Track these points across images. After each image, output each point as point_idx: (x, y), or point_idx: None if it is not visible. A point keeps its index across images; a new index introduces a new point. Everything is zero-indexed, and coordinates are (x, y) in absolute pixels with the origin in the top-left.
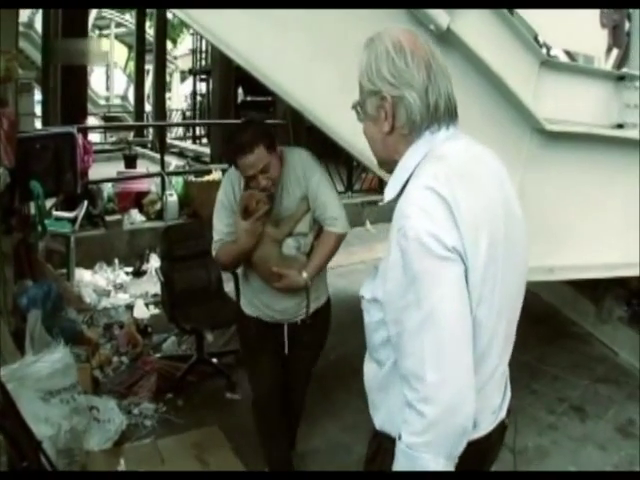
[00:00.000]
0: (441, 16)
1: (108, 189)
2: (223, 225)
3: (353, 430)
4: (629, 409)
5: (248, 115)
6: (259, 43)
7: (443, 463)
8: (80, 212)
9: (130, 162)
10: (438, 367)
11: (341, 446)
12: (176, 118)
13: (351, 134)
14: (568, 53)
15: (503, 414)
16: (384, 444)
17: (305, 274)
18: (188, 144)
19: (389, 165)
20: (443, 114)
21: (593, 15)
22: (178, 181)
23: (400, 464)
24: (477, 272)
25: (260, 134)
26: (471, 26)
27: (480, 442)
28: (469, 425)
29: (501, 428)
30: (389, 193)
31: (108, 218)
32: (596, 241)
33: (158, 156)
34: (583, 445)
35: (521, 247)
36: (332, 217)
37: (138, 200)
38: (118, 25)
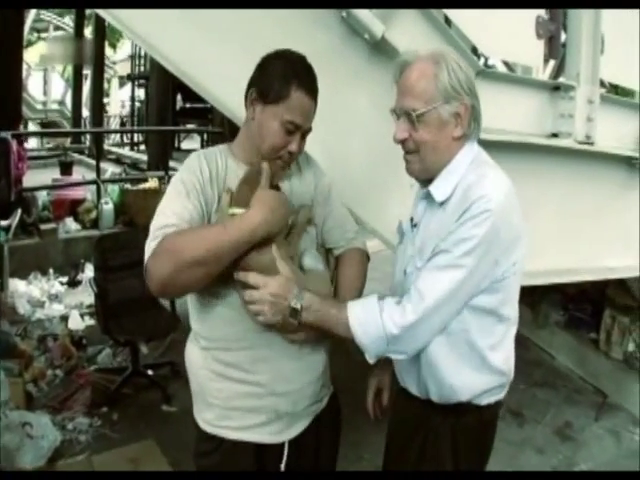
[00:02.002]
0: (375, 25)
1: (43, 197)
2: (190, 209)
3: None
4: (566, 412)
5: (188, 122)
6: (190, 49)
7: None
8: (14, 220)
9: (66, 169)
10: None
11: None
12: (114, 124)
13: None
14: (507, 64)
15: None
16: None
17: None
18: (126, 151)
19: (433, 174)
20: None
21: (529, 25)
22: (114, 189)
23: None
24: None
25: None
26: (406, 35)
27: None
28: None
29: None
30: (442, 193)
31: (43, 227)
32: (531, 248)
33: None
34: (521, 449)
35: None
36: (353, 230)
37: (73, 208)
38: (57, 28)
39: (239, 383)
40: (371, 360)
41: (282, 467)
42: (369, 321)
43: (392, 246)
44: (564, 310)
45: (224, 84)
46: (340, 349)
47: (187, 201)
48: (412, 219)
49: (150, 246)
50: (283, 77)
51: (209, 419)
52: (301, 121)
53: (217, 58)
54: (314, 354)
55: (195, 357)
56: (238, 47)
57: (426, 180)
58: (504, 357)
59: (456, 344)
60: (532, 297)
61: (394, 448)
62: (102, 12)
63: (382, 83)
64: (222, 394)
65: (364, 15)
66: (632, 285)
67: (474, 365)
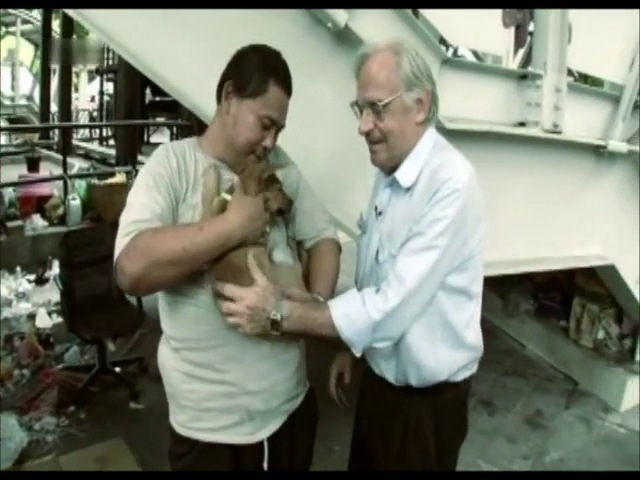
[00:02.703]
0: (339, 14)
1: (9, 194)
2: (160, 203)
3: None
4: (537, 400)
5: (157, 115)
6: (154, 45)
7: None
8: None
9: (33, 165)
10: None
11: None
12: (83, 119)
13: None
14: (476, 53)
15: None
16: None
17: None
18: (95, 145)
19: (399, 160)
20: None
21: (496, 14)
22: (81, 184)
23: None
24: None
25: None
26: (370, 24)
27: None
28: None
29: None
30: (408, 178)
31: (9, 224)
32: (500, 238)
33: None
34: (493, 438)
35: None
36: (324, 220)
37: (40, 205)
38: (24, 22)
39: (210, 383)
40: (358, 353)
41: (265, 466)
42: (353, 314)
43: (356, 236)
44: (534, 299)
45: (189, 79)
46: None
47: (157, 194)
48: (376, 207)
49: (122, 242)
50: (261, 71)
51: (182, 421)
52: (277, 116)
53: (181, 53)
54: (288, 351)
55: (167, 359)
56: (202, 41)
57: (390, 168)
58: (475, 333)
59: (432, 326)
60: (502, 286)
61: (371, 437)
62: (71, 12)
63: (346, 73)
64: (194, 395)
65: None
66: (601, 273)
67: (450, 344)
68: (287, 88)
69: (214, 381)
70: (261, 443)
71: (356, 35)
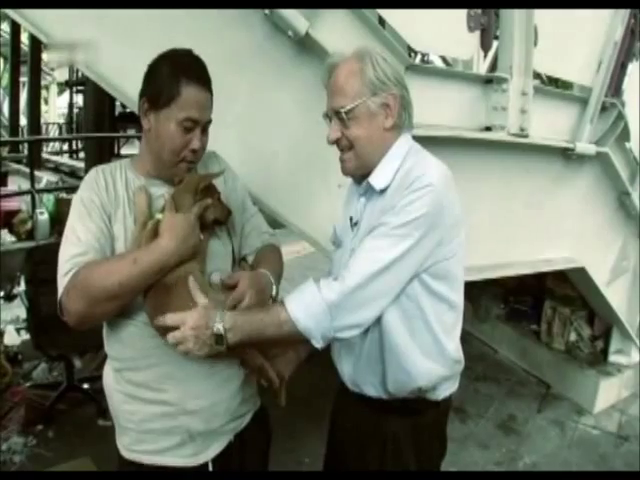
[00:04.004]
0: (299, 21)
1: None
2: (94, 232)
3: None
4: (509, 405)
5: (127, 127)
6: (102, 50)
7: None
8: None
9: (0, 179)
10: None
11: None
12: (52, 132)
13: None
14: (444, 59)
15: None
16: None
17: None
18: (65, 159)
19: (370, 168)
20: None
21: (461, 19)
22: (49, 198)
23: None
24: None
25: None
26: (331, 31)
27: None
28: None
29: None
30: (382, 181)
31: None
32: (467, 244)
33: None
34: (464, 445)
35: None
36: (268, 232)
37: (8, 220)
38: None
39: (150, 404)
40: (318, 344)
41: None
42: (307, 298)
43: (320, 247)
44: (504, 303)
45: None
46: None
47: (90, 222)
48: (351, 218)
49: (62, 282)
50: (170, 77)
51: (126, 444)
52: (197, 115)
53: (127, 56)
54: (230, 368)
55: (109, 379)
56: (152, 47)
57: (362, 176)
58: (456, 345)
59: (414, 330)
60: (472, 291)
61: (346, 456)
62: (11, 12)
63: (308, 82)
64: (135, 417)
65: (287, 12)
66: (571, 276)
67: (430, 351)
68: (202, 82)
69: (153, 401)
70: (206, 464)
71: (318, 43)
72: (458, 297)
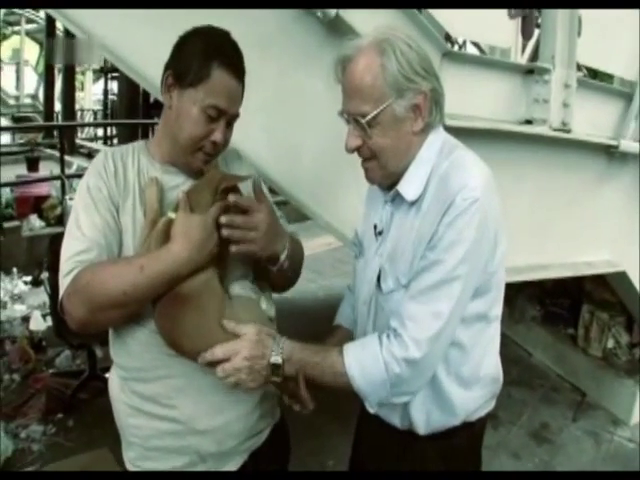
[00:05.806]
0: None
1: (6, 194)
2: (100, 226)
3: None
4: (543, 412)
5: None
6: (130, 39)
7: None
8: None
9: (32, 165)
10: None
11: None
12: (87, 118)
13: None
14: (478, 47)
15: None
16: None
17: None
18: (99, 145)
19: (397, 177)
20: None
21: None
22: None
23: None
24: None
25: None
26: (363, 12)
27: None
28: None
29: None
30: (413, 190)
31: (6, 224)
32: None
33: (66, 158)
34: (496, 454)
35: None
36: (290, 232)
37: (38, 205)
38: (29, 21)
39: (156, 419)
40: (372, 409)
41: None
42: (368, 362)
43: (348, 241)
44: (540, 305)
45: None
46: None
47: (95, 214)
48: (375, 226)
49: (64, 282)
50: (202, 55)
51: (131, 459)
52: (225, 105)
53: (154, 43)
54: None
55: (114, 389)
56: (175, 30)
57: (389, 185)
58: (494, 362)
59: (447, 362)
60: (508, 291)
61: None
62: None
63: None
64: (140, 432)
65: None
66: (611, 279)
67: (466, 382)
68: (236, 71)
69: (160, 417)
70: None
71: (348, 25)
72: (498, 308)
